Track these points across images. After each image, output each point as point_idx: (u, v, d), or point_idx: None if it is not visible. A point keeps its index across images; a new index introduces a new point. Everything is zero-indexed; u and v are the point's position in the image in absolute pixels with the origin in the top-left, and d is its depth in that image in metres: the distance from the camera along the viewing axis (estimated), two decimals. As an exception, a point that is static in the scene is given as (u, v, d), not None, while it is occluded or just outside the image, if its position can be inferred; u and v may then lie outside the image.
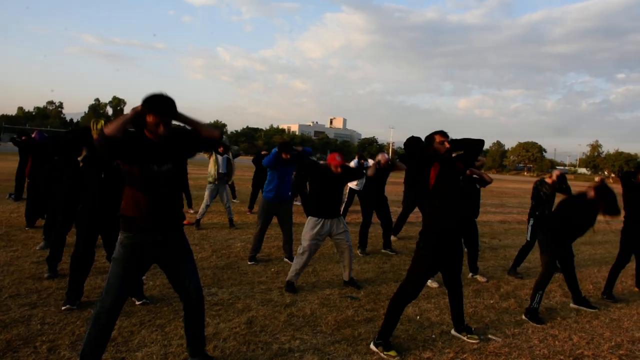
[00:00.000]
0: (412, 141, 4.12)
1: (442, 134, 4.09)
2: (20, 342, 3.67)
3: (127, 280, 3.20)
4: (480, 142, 4.14)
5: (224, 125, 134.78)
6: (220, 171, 9.28)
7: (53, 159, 7.19)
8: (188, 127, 3.26)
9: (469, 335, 4.35)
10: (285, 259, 6.84)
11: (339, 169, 5.63)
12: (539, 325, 4.86)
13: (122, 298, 3.21)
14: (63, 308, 4.37)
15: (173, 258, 3.30)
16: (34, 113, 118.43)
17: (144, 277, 5.11)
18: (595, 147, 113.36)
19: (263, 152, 11.60)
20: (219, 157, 9.42)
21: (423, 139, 4.14)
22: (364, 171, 7.41)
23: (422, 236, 4.06)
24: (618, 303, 5.90)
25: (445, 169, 4.00)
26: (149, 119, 3.00)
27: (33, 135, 10.14)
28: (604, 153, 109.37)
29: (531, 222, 7.03)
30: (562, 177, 6.91)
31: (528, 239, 7.03)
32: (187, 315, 3.44)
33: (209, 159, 9.41)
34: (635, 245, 6.21)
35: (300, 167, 9.64)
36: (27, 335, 3.80)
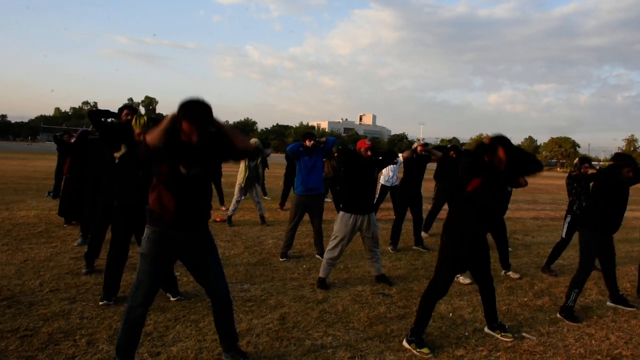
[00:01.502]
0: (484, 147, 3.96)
1: (506, 147, 3.86)
2: (61, 335, 3.78)
3: (155, 274, 3.24)
4: (540, 167, 3.99)
5: (254, 123, 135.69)
6: (249, 176, 9.33)
7: (88, 157, 7.37)
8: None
9: (502, 333, 4.31)
10: (317, 255, 6.87)
11: (369, 152, 5.59)
12: (574, 324, 4.78)
13: (152, 292, 3.26)
14: (101, 303, 4.48)
15: (198, 257, 3.34)
16: (70, 113, 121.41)
17: (178, 274, 5.20)
18: (631, 141, 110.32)
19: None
20: (251, 164, 9.50)
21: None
22: (397, 157, 7.21)
23: (446, 230, 4.04)
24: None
25: (494, 181, 3.93)
26: (184, 125, 3.01)
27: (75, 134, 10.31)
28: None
29: (568, 219, 6.90)
30: (582, 160, 6.77)
31: (563, 236, 6.91)
32: (216, 313, 3.51)
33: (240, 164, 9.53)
34: None
35: (335, 157, 9.64)
36: (67, 328, 3.91)
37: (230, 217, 9.22)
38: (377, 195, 10.71)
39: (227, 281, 3.49)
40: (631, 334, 4.64)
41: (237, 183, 9.47)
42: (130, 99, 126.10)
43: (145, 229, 3.24)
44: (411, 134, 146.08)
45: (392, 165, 10.04)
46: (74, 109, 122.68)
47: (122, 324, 3.22)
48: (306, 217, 7.02)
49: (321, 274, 5.56)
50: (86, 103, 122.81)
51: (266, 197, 13.75)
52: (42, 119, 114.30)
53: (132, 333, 3.23)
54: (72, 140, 9.01)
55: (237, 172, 9.42)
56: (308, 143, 6.68)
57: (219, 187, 11.42)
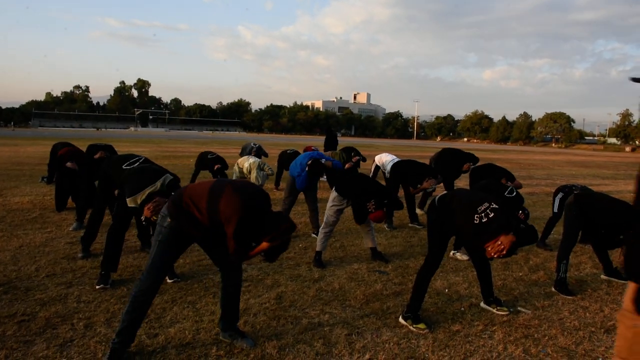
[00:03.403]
0: None
1: None
2: (59, 319, 3.79)
3: (171, 261, 3.43)
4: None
5: (248, 104, 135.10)
6: (260, 184, 9.38)
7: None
8: None
9: (498, 308, 4.35)
10: (313, 235, 6.88)
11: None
12: (569, 297, 4.83)
13: (162, 279, 3.35)
14: (97, 287, 4.49)
15: (214, 240, 3.40)
16: (61, 98, 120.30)
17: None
18: (626, 116, 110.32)
19: (288, 151, 11.52)
20: (260, 173, 9.55)
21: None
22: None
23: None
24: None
25: None
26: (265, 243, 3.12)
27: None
28: (635, 122, 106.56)
29: (560, 195, 6.92)
30: None
31: (555, 210, 6.94)
32: (225, 291, 3.58)
33: (249, 176, 9.59)
34: None
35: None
36: (64, 312, 3.92)
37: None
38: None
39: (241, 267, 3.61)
40: (625, 305, 4.68)
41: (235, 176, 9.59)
42: (122, 82, 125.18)
43: (166, 218, 3.23)
44: (406, 112, 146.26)
45: (393, 160, 10.06)
46: (65, 93, 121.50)
47: (128, 306, 3.25)
48: (301, 196, 7.02)
49: (318, 248, 5.60)
50: (77, 87, 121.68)
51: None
52: (34, 104, 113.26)
53: (136, 316, 3.27)
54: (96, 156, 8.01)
55: (229, 158, 9.42)
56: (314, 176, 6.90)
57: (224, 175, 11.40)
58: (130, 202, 4.28)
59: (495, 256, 3.56)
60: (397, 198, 5.63)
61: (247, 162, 9.90)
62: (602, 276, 5.54)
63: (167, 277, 4.76)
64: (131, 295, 3.27)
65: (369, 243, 5.88)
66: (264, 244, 3.07)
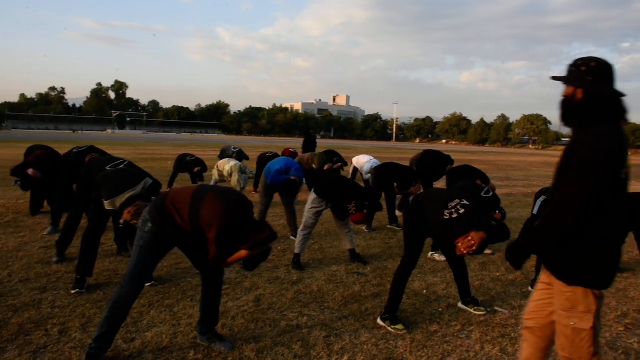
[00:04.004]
0: None
1: None
2: (32, 325, 3.71)
3: (153, 266, 3.41)
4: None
5: (227, 106, 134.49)
6: (242, 187, 9.31)
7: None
8: None
9: (475, 308, 4.38)
10: (292, 237, 6.87)
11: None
12: (545, 296, 4.88)
13: (144, 284, 3.38)
14: (72, 292, 4.42)
15: (195, 245, 3.38)
16: (36, 99, 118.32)
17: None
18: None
19: (267, 154, 11.48)
20: (242, 176, 9.47)
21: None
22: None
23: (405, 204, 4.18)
24: (625, 273, 5.90)
25: None
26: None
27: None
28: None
29: (542, 198, 7.00)
30: None
31: (534, 212, 7.00)
32: (206, 294, 3.56)
33: (229, 179, 9.51)
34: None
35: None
36: (38, 318, 3.84)
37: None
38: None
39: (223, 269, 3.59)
40: (599, 304, 4.76)
41: (214, 180, 9.51)
42: (99, 84, 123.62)
43: (147, 224, 3.20)
44: (385, 114, 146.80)
45: (371, 160, 10.20)
46: (40, 94, 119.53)
47: (107, 311, 3.21)
48: (279, 199, 7.02)
49: (297, 250, 5.59)
50: (53, 89, 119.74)
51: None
52: (7, 105, 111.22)
53: (115, 321, 3.24)
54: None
55: (212, 156, 9.36)
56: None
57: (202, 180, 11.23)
58: (108, 205, 4.22)
59: (465, 252, 3.58)
60: (378, 200, 5.65)
61: (227, 165, 9.83)
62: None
63: (144, 281, 4.71)
64: (111, 300, 3.24)
65: (348, 245, 5.89)
66: (243, 252, 3.04)
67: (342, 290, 4.80)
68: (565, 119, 2.38)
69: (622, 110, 2.27)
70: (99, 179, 4.53)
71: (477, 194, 5.75)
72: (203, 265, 3.48)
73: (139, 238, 3.22)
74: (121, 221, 4.21)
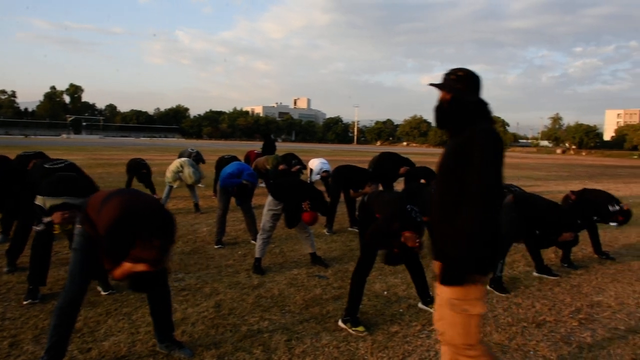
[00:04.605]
0: None
1: None
2: (-19, 338, 3.58)
3: (89, 269, 3.20)
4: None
5: (187, 110, 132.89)
6: (197, 178, 9.07)
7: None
8: None
9: (435, 307, 4.44)
10: (252, 241, 6.82)
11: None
12: (503, 295, 4.99)
13: (85, 287, 3.22)
14: (25, 302, 4.28)
15: None
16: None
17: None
18: (556, 119, 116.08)
19: (226, 157, 11.41)
20: (193, 169, 9.13)
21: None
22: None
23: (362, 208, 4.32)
24: (578, 270, 6.09)
25: None
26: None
27: None
28: (565, 125, 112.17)
29: None
30: None
31: None
32: (154, 302, 3.47)
33: (183, 173, 9.10)
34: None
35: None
36: (-12, 331, 3.71)
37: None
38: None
39: (165, 271, 3.48)
40: (554, 300, 4.89)
41: (168, 182, 9.19)
42: (53, 87, 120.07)
43: (77, 225, 3.16)
44: (346, 117, 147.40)
45: (321, 162, 10.31)
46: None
47: (54, 321, 3.13)
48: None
49: (257, 254, 5.57)
50: (3, 92, 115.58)
51: (200, 185, 13.51)
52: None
53: (64, 330, 3.15)
54: None
55: (167, 162, 9.16)
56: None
57: (149, 183, 10.97)
58: (39, 200, 4.07)
59: (397, 252, 3.75)
60: (325, 202, 5.64)
61: (176, 161, 9.37)
62: (534, 274, 5.76)
63: (101, 289, 4.61)
64: (56, 308, 3.16)
65: (309, 249, 5.89)
66: (128, 265, 2.70)
67: (303, 294, 4.80)
68: (439, 122, 2.58)
69: (485, 114, 2.50)
70: (47, 174, 4.41)
71: (424, 196, 5.88)
72: None
73: (74, 241, 3.19)
74: (44, 220, 4.04)
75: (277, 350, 3.57)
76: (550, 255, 6.68)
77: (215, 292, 4.76)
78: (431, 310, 4.42)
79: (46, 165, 4.76)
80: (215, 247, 6.56)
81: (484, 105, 2.50)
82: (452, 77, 2.50)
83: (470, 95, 2.47)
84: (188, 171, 8.93)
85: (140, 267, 2.70)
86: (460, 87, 2.47)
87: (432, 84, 2.55)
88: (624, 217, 6.31)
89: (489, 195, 2.31)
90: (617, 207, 6.32)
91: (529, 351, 3.74)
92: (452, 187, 2.40)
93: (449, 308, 2.42)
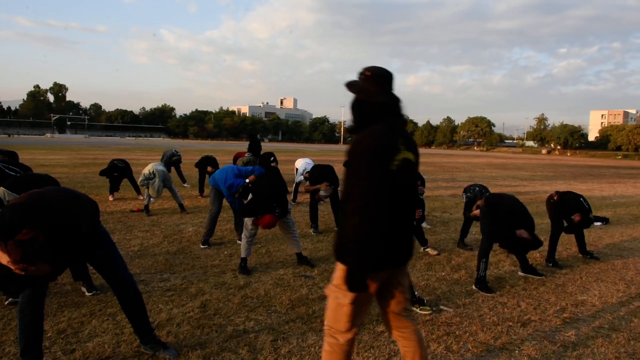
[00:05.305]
0: None
1: None
2: (-38, 339, 3.53)
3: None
4: None
5: (172, 109, 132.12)
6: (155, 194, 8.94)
7: None
8: None
9: (421, 307, 4.45)
10: (238, 242, 6.79)
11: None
12: (488, 294, 5.01)
13: (42, 288, 3.17)
14: (6, 303, 4.22)
15: (97, 251, 3.24)
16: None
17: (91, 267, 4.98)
18: (542, 120, 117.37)
19: (209, 170, 11.37)
20: (159, 185, 8.91)
21: None
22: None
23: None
24: (563, 269, 6.14)
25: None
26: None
27: None
28: (550, 126, 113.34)
29: (464, 198, 7.31)
30: None
31: (464, 214, 7.28)
32: (126, 306, 3.43)
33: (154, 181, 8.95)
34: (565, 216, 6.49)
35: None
36: (-31, 332, 3.65)
37: (146, 206, 8.92)
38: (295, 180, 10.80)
39: (129, 272, 3.45)
40: (539, 299, 4.93)
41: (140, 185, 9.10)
42: (37, 86, 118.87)
43: None
44: (332, 117, 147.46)
45: (306, 162, 10.34)
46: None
47: (18, 324, 3.08)
48: (226, 203, 6.94)
49: (242, 254, 5.54)
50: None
51: (186, 185, 13.47)
52: None
53: (32, 330, 3.10)
54: None
55: (153, 160, 9.07)
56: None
57: (132, 180, 10.89)
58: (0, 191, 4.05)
59: None
60: (287, 205, 5.59)
61: (150, 166, 9.16)
62: (520, 273, 5.80)
63: (85, 290, 4.56)
64: (18, 311, 3.11)
65: (295, 249, 5.87)
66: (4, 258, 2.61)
67: (290, 294, 4.78)
68: (352, 120, 2.55)
69: (392, 113, 2.47)
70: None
71: None
72: (111, 278, 3.34)
73: None
74: None
75: (263, 351, 3.55)
76: (535, 254, 6.72)
77: (201, 292, 4.73)
78: (417, 310, 4.43)
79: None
80: (201, 247, 6.53)
81: (391, 104, 2.48)
82: (362, 77, 2.50)
83: (376, 96, 2.45)
84: (157, 184, 8.74)
85: (4, 260, 2.62)
86: (367, 87, 2.46)
87: (345, 84, 2.53)
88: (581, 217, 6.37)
89: (364, 199, 2.31)
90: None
91: (514, 350, 3.76)
92: (346, 189, 2.41)
93: (330, 290, 2.52)
